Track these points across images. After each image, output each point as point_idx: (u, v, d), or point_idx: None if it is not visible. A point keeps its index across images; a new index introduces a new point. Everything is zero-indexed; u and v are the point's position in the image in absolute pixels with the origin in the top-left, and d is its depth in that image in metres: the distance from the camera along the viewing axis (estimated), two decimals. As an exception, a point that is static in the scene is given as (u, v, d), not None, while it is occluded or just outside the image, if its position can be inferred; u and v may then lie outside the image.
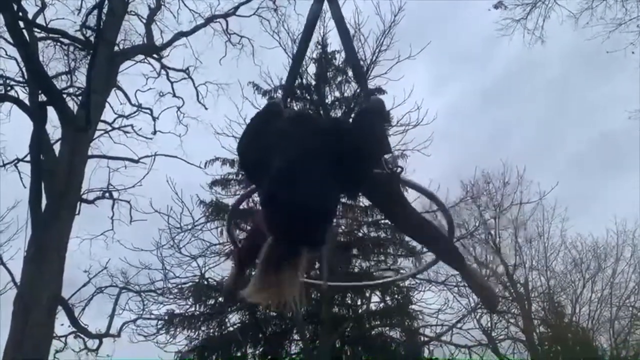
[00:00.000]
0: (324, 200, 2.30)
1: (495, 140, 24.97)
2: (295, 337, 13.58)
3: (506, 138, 25.19)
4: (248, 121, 2.96)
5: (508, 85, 25.29)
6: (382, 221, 13.23)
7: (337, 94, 14.61)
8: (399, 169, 2.73)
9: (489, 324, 17.19)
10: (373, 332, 13.44)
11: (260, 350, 13.38)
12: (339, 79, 14.67)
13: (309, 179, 2.26)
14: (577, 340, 18.40)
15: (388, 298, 13.68)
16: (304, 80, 14.14)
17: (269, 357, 13.22)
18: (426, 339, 13.56)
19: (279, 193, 2.22)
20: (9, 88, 12.11)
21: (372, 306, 13.80)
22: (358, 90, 13.49)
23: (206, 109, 14.68)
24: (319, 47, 14.45)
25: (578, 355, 18.32)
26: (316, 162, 2.33)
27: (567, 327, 18.67)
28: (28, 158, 11.42)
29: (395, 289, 13.43)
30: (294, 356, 13.57)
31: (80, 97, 12.33)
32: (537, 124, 25.27)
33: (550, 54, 21.31)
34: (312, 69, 14.50)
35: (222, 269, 13.54)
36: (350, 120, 2.79)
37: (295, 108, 13.79)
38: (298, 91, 14.29)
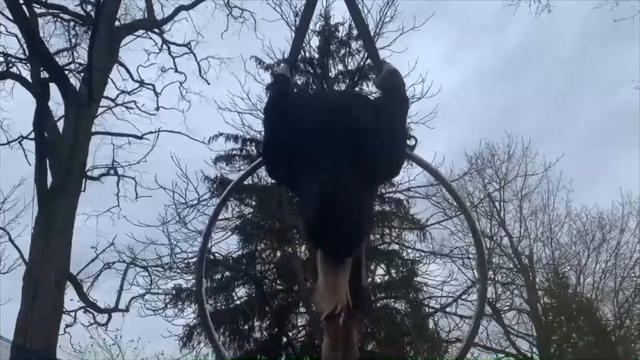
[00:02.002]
0: (365, 207, 2.40)
1: (505, 113, 24.80)
2: (302, 309, 13.73)
3: (516, 111, 24.99)
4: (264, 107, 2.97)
5: (520, 59, 24.98)
6: (387, 194, 13.25)
7: (340, 67, 14.49)
8: (414, 141, 2.83)
9: (494, 295, 17.32)
10: (378, 304, 13.57)
11: (267, 323, 13.57)
12: (343, 52, 14.54)
13: (350, 192, 2.29)
14: (581, 311, 18.55)
15: (393, 271, 13.78)
16: (307, 54, 14.00)
17: (276, 329, 13.41)
18: (431, 310, 13.70)
19: (326, 214, 2.23)
20: (10, 65, 12.04)
21: (377, 279, 13.92)
22: (364, 63, 13.37)
23: (208, 84, 14.57)
24: (322, 19, 14.29)
25: (582, 326, 18.50)
26: (353, 171, 2.35)
27: (571, 298, 18.80)
28: (32, 135, 11.41)
29: (400, 261, 13.52)
30: (300, 328, 13.76)
31: (82, 74, 12.25)
32: (547, 97, 25.06)
33: (561, 26, 21.01)
34: (315, 42, 14.36)
35: (227, 244, 13.68)
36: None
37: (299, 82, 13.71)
38: (301, 65, 14.16)
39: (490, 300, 17.10)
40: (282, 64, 3.43)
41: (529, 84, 25.45)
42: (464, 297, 13.26)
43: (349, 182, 2.31)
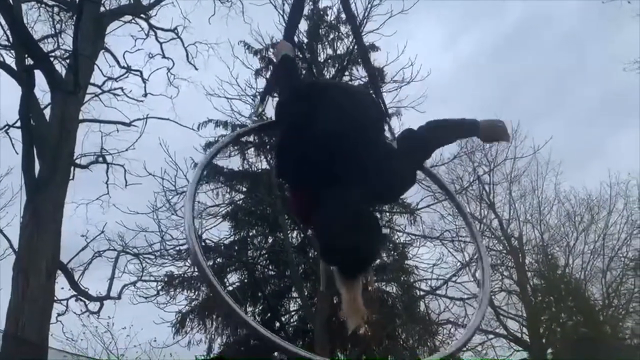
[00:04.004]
0: (379, 228, 2.52)
1: (500, 96, 24.84)
2: (294, 294, 13.82)
3: (510, 94, 25.04)
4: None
5: (517, 40, 24.99)
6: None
7: (329, 51, 14.43)
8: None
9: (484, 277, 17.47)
10: (370, 288, 13.67)
11: (260, 308, 13.65)
12: (332, 36, 14.45)
13: (369, 217, 2.43)
14: (569, 291, 18.81)
15: (384, 254, 13.86)
16: (296, 38, 13.90)
17: (269, 314, 13.49)
18: (422, 292, 13.82)
19: (348, 243, 2.29)
20: (-6, 52, 11.86)
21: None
22: (353, 47, 13.30)
23: (196, 69, 14.43)
24: (311, 3, 14.17)
25: (571, 306, 18.78)
26: (369, 192, 2.44)
27: (560, 279, 19.04)
28: (19, 124, 11.28)
29: (390, 245, 13.60)
30: (292, 313, 13.85)
31: (67, 60, 12.09)
32: (538, 79, 25.12)
33: (557, 7, 20.96)
34: (303, 26, 14.25)
35: (218, 230, 13.68)
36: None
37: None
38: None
39: (481, 282, 17.28)
40: (283, 43, 3.19)
41: (521, 67, 25.48)
42: (454, 279, 13.39)
43: (366, 206, 2.42)
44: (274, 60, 3.34)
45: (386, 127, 2.93)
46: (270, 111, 2.99)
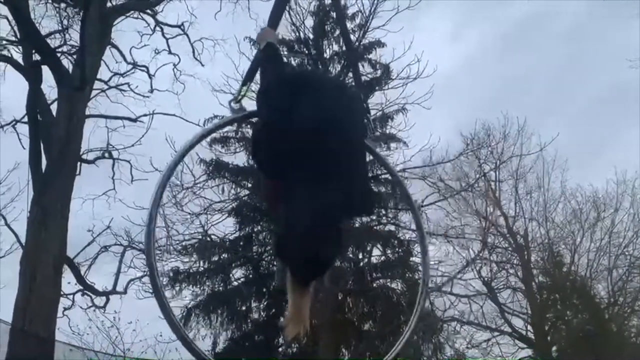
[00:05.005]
0: (341, 239, 2.44)
1: (506, 93, 24.71)
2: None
3: (517, 90, 24.88)
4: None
5: (522, 36, 24.81)
6: (382, 176, 13.27)
7: (335, 47, 14.39)
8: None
9: (489, 275, 17.48)
10: (375, 284, 13.68)
11: (265, 304, 13.67)
12: (337, 32, 14.41)
13: (333, 226, 2.34)
14: (575, 289, 18.74)
15: (389, 251, 13.86)
16: (302, 34, 13.89)
17: (273, 310, 13.52)
18: (427, 289, 13.80)
19: (308, 249, 2.23)
20: (1, 48, 11.91)
21: (374, 259, 14.01)
22: (359, 43, 13.28)
23: (202, 65, 14.45)
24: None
25: (576, 304, 18.71)
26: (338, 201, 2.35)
27: (566, 277, 18.97)
28: (26, 119, 11.33)
29: (395, 242, 13.59)
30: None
31: (74, 56, 12.13)
32: (545, 76, 24.93)
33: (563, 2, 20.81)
34: (309, 22, 14.23)
35: (224, 226, 13.71)
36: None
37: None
38: (296, 45, 14.06)
39: (486, 279, 17.27)
40: (268, 30, 3.19)
41: (527, 63, 25.34)
42: (459, 276, 13.38)
43: (334, 215, 2.32)
44: (258, 46, 3.25)
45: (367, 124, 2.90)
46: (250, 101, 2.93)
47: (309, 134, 2.42)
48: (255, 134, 2.74)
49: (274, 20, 3.28)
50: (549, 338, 18.40)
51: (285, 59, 3.01)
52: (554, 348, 18.53)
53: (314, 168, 2.35)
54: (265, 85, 2.88)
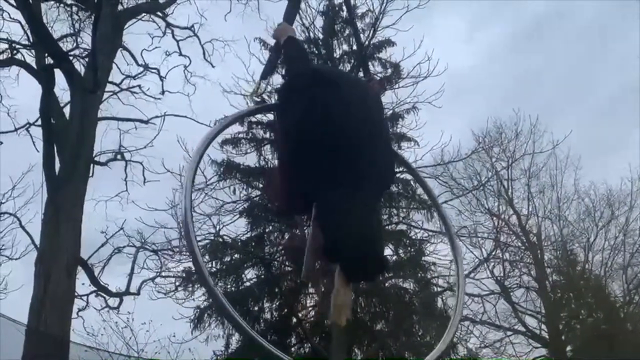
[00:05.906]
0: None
1: (519, 90, 24.55)
2: (311, 290, 13.82)
3: (530, 88, 24.75)
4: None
5: (535, 34, 24.64)
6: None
7: (345, 47, 14.37)
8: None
9: (502, 274, 17.37)
10: (387, 284, 13.63)
11: (277, 304, 13.68)
12: (347, 31, 14.39)
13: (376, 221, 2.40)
14: (589, 288, 18.56)
15: (401, 250, 13.81)
16: (312, 34, 13.89)
17: (286, 310, 13.52)
18: (439, 289, 13.75)
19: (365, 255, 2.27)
20: (15, 52, 12.04)
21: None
22: (369, 42, 13.25)
23: (213, 67, 14.52)
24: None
25: (590, 302, 18.53)
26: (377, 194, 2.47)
27: (580, 275, 18.81)
28: (39, 122, 11.44)
29: (407, 241, 13.54)
30: (309, 309, 13.85)
31: (86, 59, 12.24)
32: (558, 73, 24.78)
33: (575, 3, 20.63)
34: (319, 22, 14.22)
35: (235, 227, 13.74)
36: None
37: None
38: (306, 45, 14.04)
39: (499, 278, 17.15)
40: (286, 25, 3.13)
41: (539, 61, 25.19)
42: (471, 275, 13.30)
43: (376, 208, 2.40)
44: (278, 42, 3.17)
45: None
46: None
47: (345, 130, 2.39)
48: (288, 132, 2.62)
49: (290, 16, 3.29)
50: (563, 337, 18.26)
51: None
52: (568, 347, 18.37)
53: (355, 166, 2.33)
54: (292, 79, 2.82)
